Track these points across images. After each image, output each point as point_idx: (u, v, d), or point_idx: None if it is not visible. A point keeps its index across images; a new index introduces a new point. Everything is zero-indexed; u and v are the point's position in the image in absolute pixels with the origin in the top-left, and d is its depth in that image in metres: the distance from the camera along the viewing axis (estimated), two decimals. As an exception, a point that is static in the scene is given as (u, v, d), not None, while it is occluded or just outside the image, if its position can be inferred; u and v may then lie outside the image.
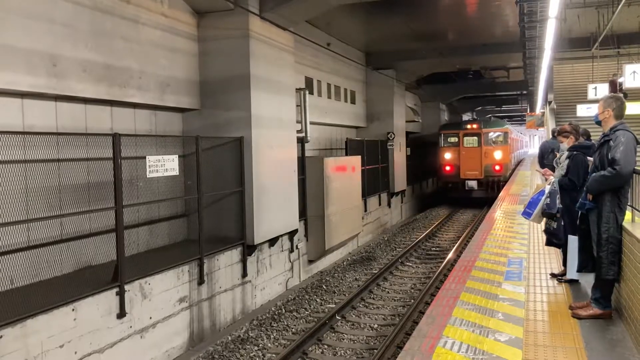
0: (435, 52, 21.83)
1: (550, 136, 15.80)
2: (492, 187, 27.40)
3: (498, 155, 28.17)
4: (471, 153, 28.50)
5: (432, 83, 29.48)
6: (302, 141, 14.40)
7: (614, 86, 18.56)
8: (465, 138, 28.91)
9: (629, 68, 14.45)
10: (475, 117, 34.33)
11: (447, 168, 28.84)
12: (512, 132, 32.87)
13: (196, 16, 11.44)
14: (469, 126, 29.45)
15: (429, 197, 31.79)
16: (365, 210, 19.91)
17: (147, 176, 8.70)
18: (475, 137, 28.76)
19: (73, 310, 7.17)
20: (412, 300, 11.94)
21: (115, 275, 7.94)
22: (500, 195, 19.36)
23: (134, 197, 8.90)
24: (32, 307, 6.65)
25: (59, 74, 8.21)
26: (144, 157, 8.63)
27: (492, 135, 28.79)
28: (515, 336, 5.18)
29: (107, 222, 8.16)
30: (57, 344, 6.93)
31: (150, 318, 8.68)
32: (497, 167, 27.88)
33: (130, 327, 8.23)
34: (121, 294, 7.97)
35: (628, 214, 5.64)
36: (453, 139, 29.09)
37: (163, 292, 8.98)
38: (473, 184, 28.14)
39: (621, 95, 6.41)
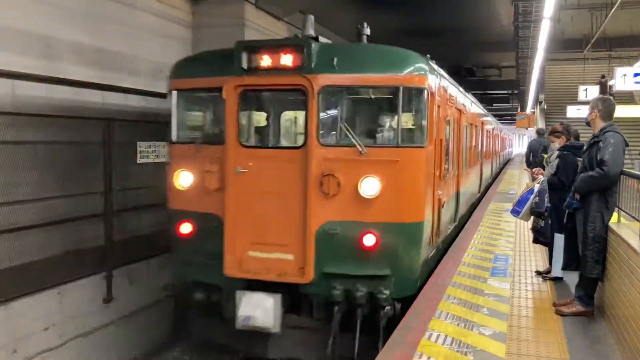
0: (427, 48, 21.84)
1: (536, 135, 15.96)
2: (345, 323, 6.34)
3: (374, 186, 6.24)
4: (268, 179, 6.59)
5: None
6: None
7: (604, 88, 18.73)
8: (246, 114, 7.14)
9: (619, 71, 14.57)
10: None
11: (184, 229, 6.90)
12: (467, 101, 12.04)
13: (190, 3, 11.37)
14: (263, 59, 6.48)
15: None
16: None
17: (138, 162, 8.66)
18: (297, 112, 7.49)
19: None
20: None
21: None
22: None
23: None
24: None
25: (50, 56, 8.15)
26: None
27: (365, 96, 6.84)
28: (500, 330, 5.23)
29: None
30: None
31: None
32: (369, 241, 6.24)
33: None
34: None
35: (615, 215, 5.71)
36: (210, 133, 7.46)
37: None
38: (261, 314, 6.35)
39: (610, 97, 6.48)
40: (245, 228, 6.57)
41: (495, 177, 22.88)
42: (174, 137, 7.19)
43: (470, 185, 12.81)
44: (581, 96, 20.38)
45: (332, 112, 6.79)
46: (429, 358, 4.58)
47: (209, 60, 7.24)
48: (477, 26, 19.54)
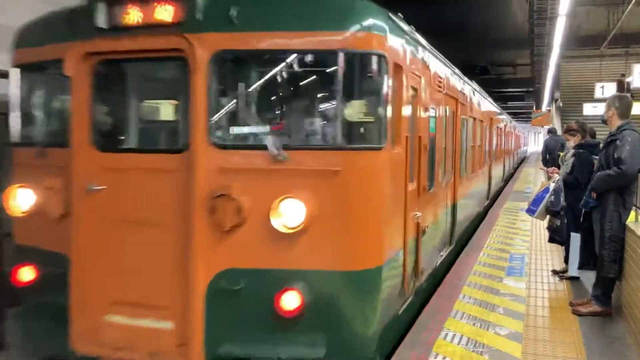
0: (442, 46, 21.79)
1: (548, 134, 15.89)
2: None
3: (298, 213, 3.85)
4: (134, 201, 4.22)
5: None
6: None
7: (622, 86, 18.56)
8: (106, 98, 4.53)
9: (637, 67, 14.43)
10: None
11: (24, 274, 4.52)
12: (467, 88, 9.76)
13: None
14: (130, 12, 4.12)
15: None
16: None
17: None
18: (180, 94, 4.34)
19: None
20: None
21: None
22: None
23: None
24: None
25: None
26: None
27: (285, 67, 4.16)
28: (516, 330, 5.22)
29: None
30: None
31: None
32: (291, 302, 3.84)
33: None
34: None
35: (633, 213, 5.67)
36: (57, 129, 4.83)
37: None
38: None
39: (627, 94, 6.45)
40: (101, 278, 4.19)
41: (508, 179, 21.20)
42: (15, 136, 4.81)
43: (473, 193, 10.46)
44: (598, 94, 20.17)
45: (232, 93, 4.28)
46: (444, 358, 4.58)
47: (62, 19, 4.55)
48: (492, 24, 19.46)
